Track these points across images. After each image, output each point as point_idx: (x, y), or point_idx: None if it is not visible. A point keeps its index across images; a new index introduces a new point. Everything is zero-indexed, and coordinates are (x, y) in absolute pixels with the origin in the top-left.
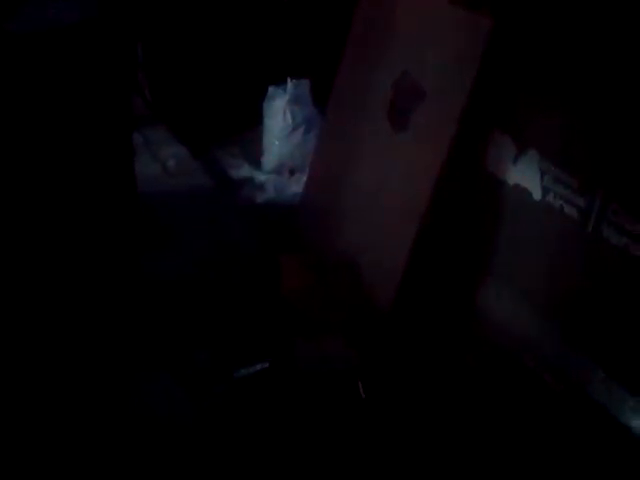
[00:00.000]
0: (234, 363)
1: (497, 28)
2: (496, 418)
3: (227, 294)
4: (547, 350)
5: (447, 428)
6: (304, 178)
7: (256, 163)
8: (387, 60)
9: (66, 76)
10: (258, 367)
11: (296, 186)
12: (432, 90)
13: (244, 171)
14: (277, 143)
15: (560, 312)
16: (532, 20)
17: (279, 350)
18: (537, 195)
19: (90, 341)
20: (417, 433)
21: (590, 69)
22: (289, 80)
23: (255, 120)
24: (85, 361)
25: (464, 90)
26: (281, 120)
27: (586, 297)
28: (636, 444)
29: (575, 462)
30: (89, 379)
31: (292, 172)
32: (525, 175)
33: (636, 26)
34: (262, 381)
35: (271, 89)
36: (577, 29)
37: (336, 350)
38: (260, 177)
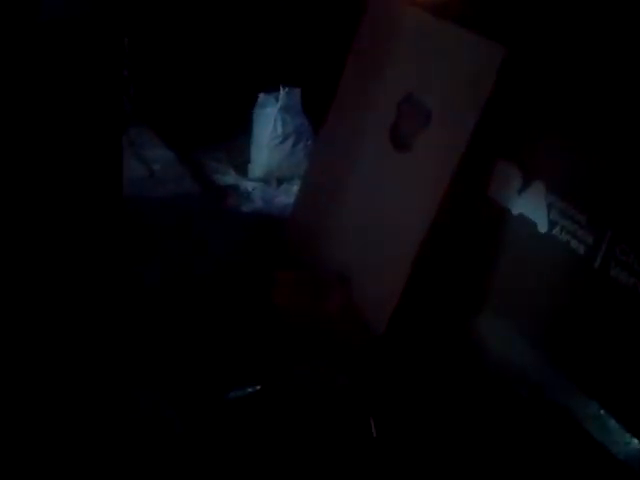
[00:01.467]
0: (226, 384)
1: (511, 57)
2: (489, 448)
3: (218, 309)
4: (543, 383)
5: (438, 455)
6: (292, 189)
7: (243, 170)
8: (392, 78)
9: (61, 72)
10: (250, 389)
11: (284, 196)
12: (439, 114)
13: (230, 178)
14: (266, 152)
15: (558, 346)
16: (545, 52)
17: (272, 372)
18: (543, 228)
19: (76, 352)
20: (408, 456)
21: (605, 106)
22: (281, 88)
23: (244, 126)
24: (72, 372)
25: (473, 116)
26: (271, 128)
27: (589, 334)
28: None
29: None
30: (76, 391)
31: (280, 182)
32: (530, 206)
33: None
34: (254, 403)
35: (262, 96)
36: (590, 63)
37: (328, 373)
38: (247, 185)
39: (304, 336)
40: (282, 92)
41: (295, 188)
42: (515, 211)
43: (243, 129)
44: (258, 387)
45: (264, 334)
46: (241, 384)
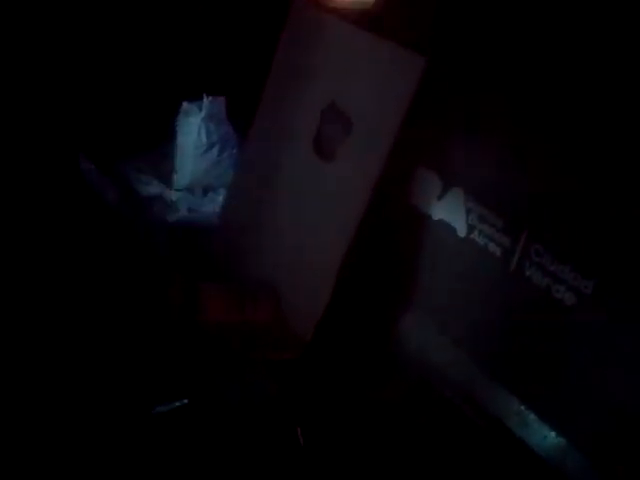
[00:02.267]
0: (152, 399)
1: (430, 67)
2: (416, 450)
3: (143, 319)
4: (466, 382)
5: (365, 460)
6: (218, 198)
7: (167, 180)
8: (314, 87)
9: None
10: (177, 403)
11: (210, 205)
12: (360, 122)
13: (154, 188)
14: (191, 161)
15: (479, 345)
16: (463, 61)
17: (199, 385)
18: (462, 232)
19: None
20: (335, 465)
21: (516, 111)
22: (205, 96)
23: (167, 136)
24: None
25: (393, 124)
26: (196, 137)
27: (504, 332)
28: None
29: None
30: None
31: (206, 191)
32: (450, 211)
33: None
34: (181, 417)
35: (185, 105)
36: (501, 71)
37: (256, 383)
38: (171, 195)
39: (232, 348)
40: (206, 100)
41: (221, 198)
42: (435, 217)
43: (166, 138)
44: (185, 401)
45: (191, 347)
46: (167, 398)
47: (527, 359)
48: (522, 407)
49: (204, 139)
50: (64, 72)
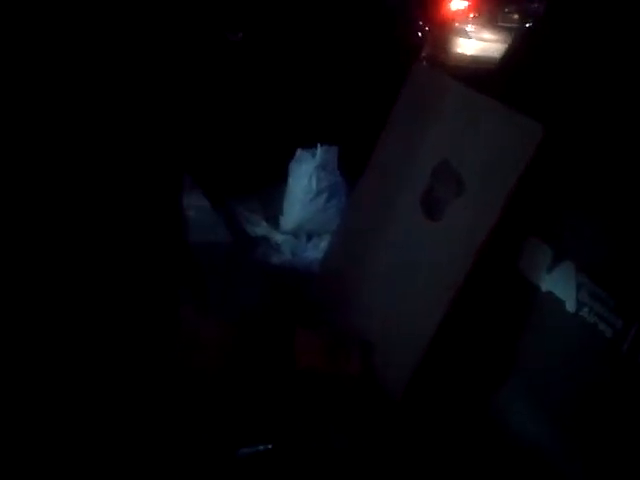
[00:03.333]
0: (237, 441)
1: (548, 135)
2: None
3: (237, 361)
4: (559, 465)
5: None
6: (321, 244)
7: (274, 222)
8: (428, 146)
9: None
10: (261, 447)
11: (313, 251)
12: (472, 185)
13: (261, 229)
14: (299, 205)
15: (578, 428)
16: (580, 133)
17: (285, 431)
18: (571, 307)
19: None
20: None
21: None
22: (319, 145)
23: (279, 179)
24: None
25: (506, 190)
26: (306, 184)
27: (608, 419)
28: None
29: None
30: None
31: (310, 237)
32: (559, 285)
33: None
34: (265, 462)
35: (300, 152)
36: (626, 147)
37: (339, 436)
38: (277, 237)
39: (322, 397)
40: (320, 149)
41: (324, 244)
42: (544, 288)
43: (278, 182)
44: (270, 446)
45: (282, 392)
46: (253, 442)
47: (633, 450)
48: None
49: (314, 186)
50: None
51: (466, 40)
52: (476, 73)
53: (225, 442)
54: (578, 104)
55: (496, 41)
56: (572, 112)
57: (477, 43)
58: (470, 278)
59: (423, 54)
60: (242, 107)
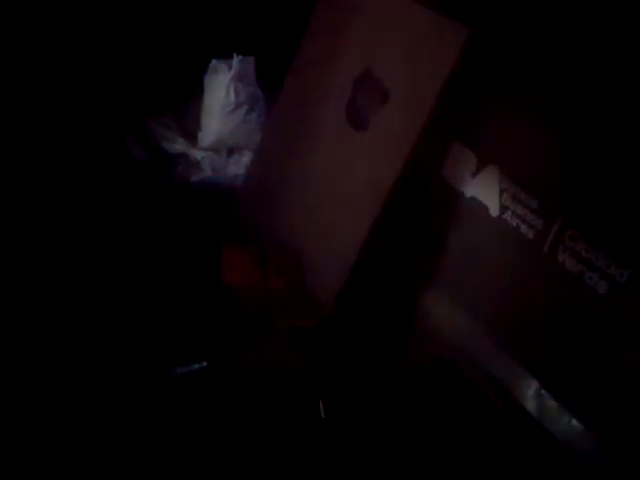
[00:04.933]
0: (170, 361)
1: (473, 38)
2: (430, 428)
3: (162, 281)
4: (488, 364)
5: (385, 437)
6: (243, 159)
7: (192, 138)
8: (350, 54)
9: None
10: (196, 366)
11: (235, 167)
12: (396, 92)
13: (179, 145)
14: (217, 120)
15: (505, 327)
16: (507, 34)
17: (218, 348)
18: (494, 211)
19: None
20: (356, 438)
21: (562, 91)
22: (235, 55)
23: (194, 93)
24: None
25: (431, 96)
26: (223, 96)
27: (532, 315)
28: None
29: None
30: None
31: (231, 152)
32: (483, 190)
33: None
34: (200, 380)
35: (215, 62)
36: (549, 48)
37: (279, 350)
38: (196, 154)
39: (252, 315)
40: (235, 59)
41: (246, 159)
42: (468, 194)
43: (193, 95)
44: (204, 364)
45: (211, 310)
46: (187, 361)
47: (553, 344)
48: (543, 391)
49: (232, 98)
50: (94, 28)
51: None
52: None
53: (158, 362)
54: (503, 6)
55: None
56: (497, 14)
57: None
58: (397, 186)
59: None
60: (152, 16)
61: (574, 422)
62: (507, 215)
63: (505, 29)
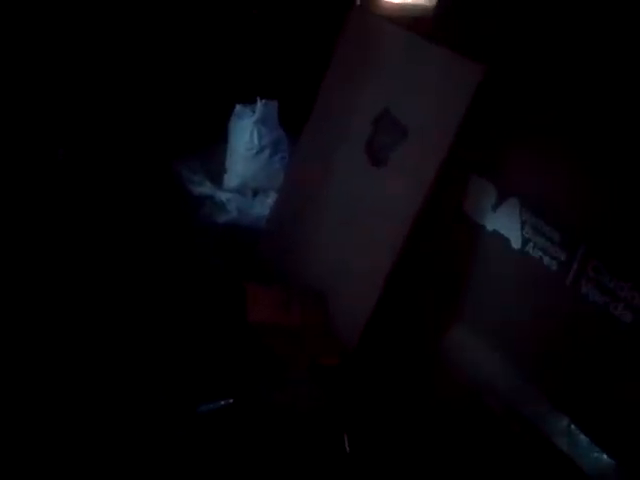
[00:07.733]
0: (197, 398)
1: (488, 75)
2: (460, 463)
3: (190, 319)
4: (514, 397)
5: (411, 469)
6: (268, 200)
7: (218, 181)
8: (369, 94)
9: None
10: (222, 403)
11: (259, 208)
12: (415, 129)
13: (205, 188)
14: (242, 162)
15: (530, 360)
16: (520, 70)
17: (244, 385)
18: (516, 244)
19: None
20: (382, 472)
21: (579, 123)
22: (258, 100)
23: (219, 137)
24: None
25: (449, 132)
26: (248, 139)
27: (557, 348)
28: None
29: None
30: None
31: (255, 193)
32: (504, 223)
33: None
34: (226, 417)
35: (239, 107)
36: (569, 80)
37: (303, 387)
38: (222, 195)
39: (276, 353)
40: (259, 104)
41: (270, 200)
42: (489, 227)
43: (219, 140)
44: (230, 400)
45: (236, 348)
46: (213, 398)
47: (580, 376)
48: (572, 426)
49: (256, 141)
50: (122, 77)
51: None
52: (413, 17)
53: (185, 399)
54: (517, 43)
55: None
56: (512, 50)
57: None
58: (418, 222)
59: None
60: (179, 66)
61: (604, 457)
62: (529, 247)
63: (520, 64)
